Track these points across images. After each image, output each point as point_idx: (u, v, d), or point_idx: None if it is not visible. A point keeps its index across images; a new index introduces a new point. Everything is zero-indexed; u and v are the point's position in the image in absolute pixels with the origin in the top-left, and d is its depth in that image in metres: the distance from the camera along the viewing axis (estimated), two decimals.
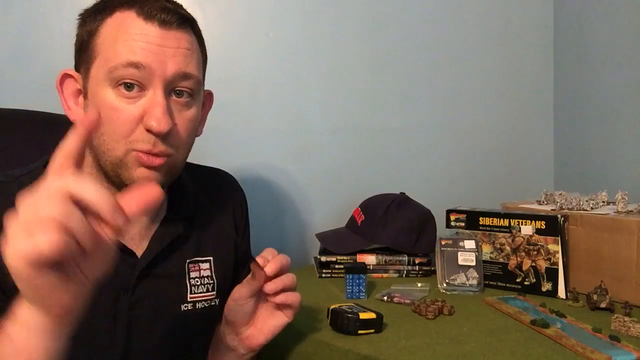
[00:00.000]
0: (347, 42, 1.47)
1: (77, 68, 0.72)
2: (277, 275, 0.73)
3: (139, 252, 0.75)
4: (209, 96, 0.82)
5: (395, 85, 1.51)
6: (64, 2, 1.26)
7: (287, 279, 0.74)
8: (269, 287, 0.73)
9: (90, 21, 0.69)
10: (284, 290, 0.74)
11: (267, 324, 0.76)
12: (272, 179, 1.44)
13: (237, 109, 1.38)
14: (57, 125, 0.73)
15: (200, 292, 0.81)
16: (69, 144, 0.48)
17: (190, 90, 0.70)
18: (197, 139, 0.77)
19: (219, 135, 1.31)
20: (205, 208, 0.84)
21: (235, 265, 0.87)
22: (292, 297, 0.74)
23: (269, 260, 0.73)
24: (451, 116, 1.56)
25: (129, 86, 0.66)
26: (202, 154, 0.82)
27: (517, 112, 1.61)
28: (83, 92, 0.71)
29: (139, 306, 0.74)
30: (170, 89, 0.69)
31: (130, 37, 0.66)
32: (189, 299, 0.79)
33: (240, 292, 0.75)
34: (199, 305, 0.80)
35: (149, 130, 0.66)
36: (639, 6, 1.29)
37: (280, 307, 0.76)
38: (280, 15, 1.43)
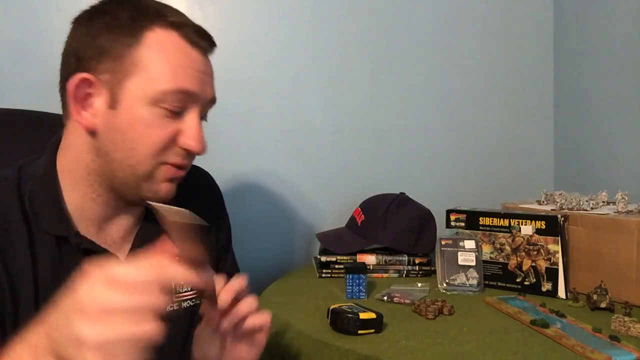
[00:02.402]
0: (347, 42, 1.47)
1: (91, 70, 0.66)
2: (233, 304, 0.67)
3: (122, 256, 0.74)
4: None
5: (395, 86, 1.52)
6: (64, 2, 1.26)
7: (244, 305, 0.67)
8: (225, 325, 0.66)
9: (118, 28, 0.65)
10: (248, 315, 0.68)
11: (240, 358, 0.71)
12: (272, 179, 1.44)
13: (237, 109, 1.38)
14: (57, 126, 0.72)
15: (185, 291, 0.80)
16: (183, 276, 0.50)
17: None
18: None
19: (218, 136, 1.30)
20: (184, 206, 0.82)
21: (217, 260, 0.86)
22: (259, 319, 0.68)
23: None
24: (451, 116, 1.56)
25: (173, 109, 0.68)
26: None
27: (517, 112, 1.61)
28: (111, 101, 0.66)
29: None
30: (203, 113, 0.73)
31: (181, 62, 0.67)
32: (174, 299, 0.79)
33: (201, 335, 0.71)
34: (184, 304, 0.79)
35: (183, 149, 0.69)
36: (639, 6, 1.28)
37: (249, 334, 0.69)
38: (280, 15, 1.43)
